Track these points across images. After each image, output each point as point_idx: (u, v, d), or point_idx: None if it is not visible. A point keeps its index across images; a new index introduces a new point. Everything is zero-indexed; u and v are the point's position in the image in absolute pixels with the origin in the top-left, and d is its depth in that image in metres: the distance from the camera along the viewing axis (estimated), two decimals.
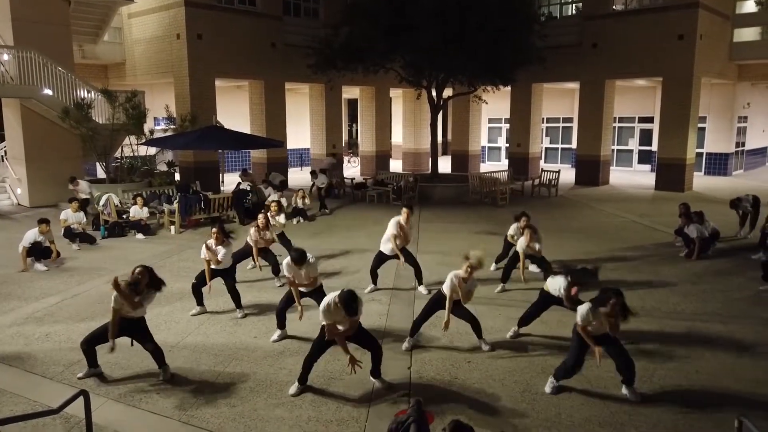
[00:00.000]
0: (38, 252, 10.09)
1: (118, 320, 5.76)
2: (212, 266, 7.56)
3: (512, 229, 9.37)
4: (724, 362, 6.28)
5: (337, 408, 5.33)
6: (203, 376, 5.96)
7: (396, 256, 8.57)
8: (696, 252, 10.51)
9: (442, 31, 15.83)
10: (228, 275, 7.71)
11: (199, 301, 7.85)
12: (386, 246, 8.62)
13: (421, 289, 8.66)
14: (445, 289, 6.41)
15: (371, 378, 5.78)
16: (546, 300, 6.69)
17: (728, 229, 12.20)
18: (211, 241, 7.59)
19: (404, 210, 8.69)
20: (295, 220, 14.25)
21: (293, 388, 5.61)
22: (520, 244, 8.53)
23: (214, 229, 7.63)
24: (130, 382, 5.85)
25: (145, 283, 5.84)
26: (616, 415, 5.19)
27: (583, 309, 5.42)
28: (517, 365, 6.20)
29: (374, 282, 8.81)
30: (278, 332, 6.98)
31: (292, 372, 5.95)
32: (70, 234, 11.66)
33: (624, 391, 5.54)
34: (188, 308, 7.91)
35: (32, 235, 10.03)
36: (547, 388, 5.62)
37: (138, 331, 5.95)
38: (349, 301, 5.23)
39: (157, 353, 5.97)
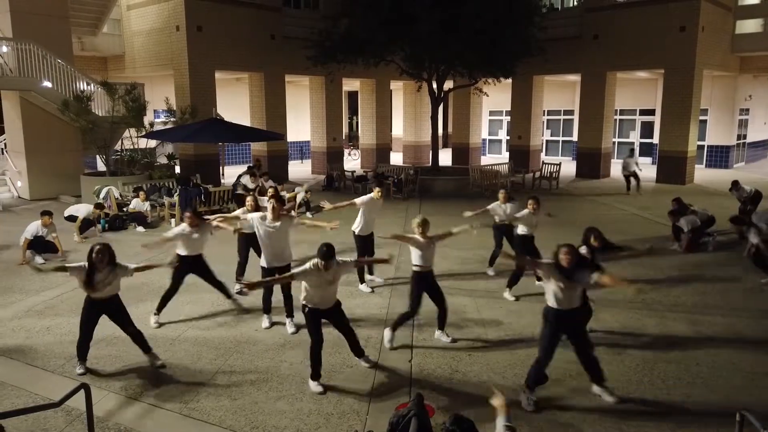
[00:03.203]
0: (39, 245, 10.08)
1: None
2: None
3: (496, 209, 8.81)
4: (724, 355, 6.28)
5: (338, 401, 5.34)
6: (204, 370, 5.97)
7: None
8: (686, 243, 10.47)
9: (440, 21, 15.76)
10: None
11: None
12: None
13: (364, 286, 8.59)
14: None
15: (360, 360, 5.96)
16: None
17: (728, 222, 12.15)
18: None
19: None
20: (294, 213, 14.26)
21: (316, 387, 5.51)
22: (521, 215, 8.26)
23: (187, 214, 7.38)
24: (131, 375, 5.86)
25: (106, 262, 5.74)
26: (617, 408, 5.19)
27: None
28: (517, 358, 6.20)
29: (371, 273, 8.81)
30: (266, 317, 7.06)
31: (293, 365, 5.96)
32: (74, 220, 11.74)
33: (596, 390, 5.38)
34: (188, 301, 7.91)
35: (34, 227, 10.00)
36: (525, 405, 5.19)
37: (115, 312, 5.95)
38: (326, 249, 5.38)
39: (138, 338, 6.01)
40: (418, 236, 6.46)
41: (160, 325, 7.12)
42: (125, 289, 6.29)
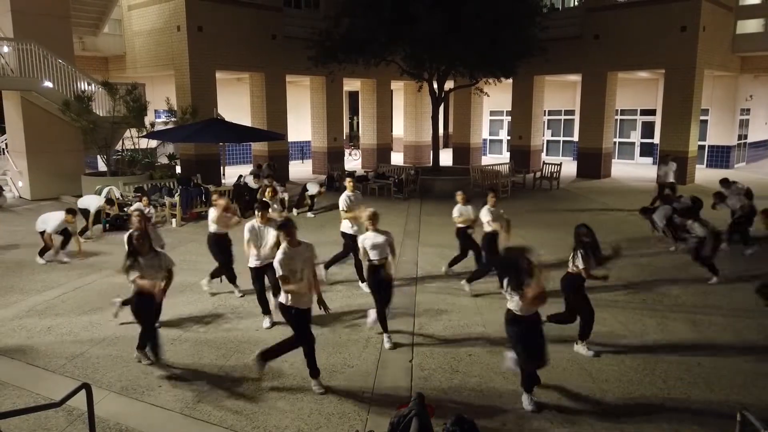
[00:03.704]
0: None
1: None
2: None
3: (457, 211, 8.75)
4: (725, 355, 6.28)
5: (339, 401, 5.34)
6: (205, 369, 5.98)
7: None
8: (671, 235, 10.40)
9: (441, 21, 15.78)
10: None
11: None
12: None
13: (365, 285, 8.38)
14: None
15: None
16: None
17: (722, 224, 12.02)
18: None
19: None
20: (296, 212, 14.30)
21: (317, 387, 5.50)
22: (484, 217, 8.22)
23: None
24: (132, 375, 5.87)
25: (147, 247, 5.89)
26: (616, 409, 5.19)
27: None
28: None
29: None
30: (267, 318, 7.08)
31: (294, 365, 5.96)
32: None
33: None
34: (190, 302, 7.92)
35: (57, 222, 9.83)
36: (526, 406, 5.19)
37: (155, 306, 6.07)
38: (283, 220, 5.52)
39: (144, 332, 6.04)
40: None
41: (161, 324, 7.12)
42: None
